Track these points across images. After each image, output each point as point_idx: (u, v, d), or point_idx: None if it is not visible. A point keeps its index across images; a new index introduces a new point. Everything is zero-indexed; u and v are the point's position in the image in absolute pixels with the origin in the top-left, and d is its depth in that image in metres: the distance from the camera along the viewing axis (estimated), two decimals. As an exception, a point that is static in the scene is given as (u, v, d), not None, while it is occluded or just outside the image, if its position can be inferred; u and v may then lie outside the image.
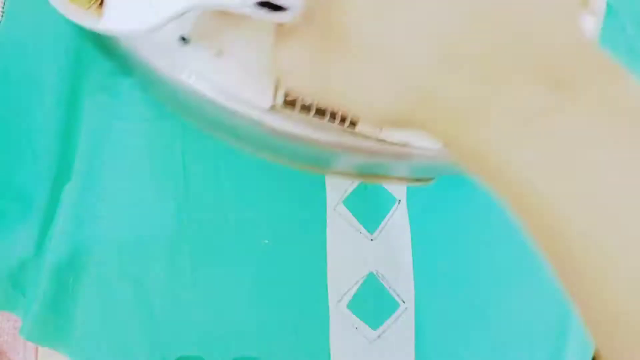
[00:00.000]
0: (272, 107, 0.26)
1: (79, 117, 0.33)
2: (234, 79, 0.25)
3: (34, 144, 0.34)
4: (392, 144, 0.27)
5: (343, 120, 0.26)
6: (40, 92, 0.33)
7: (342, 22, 0.18)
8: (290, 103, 0.26)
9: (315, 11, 0.20)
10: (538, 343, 0.32)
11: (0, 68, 0.34)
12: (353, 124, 0.26)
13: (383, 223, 0.32)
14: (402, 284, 0.31)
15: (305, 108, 0.26)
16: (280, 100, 0.26)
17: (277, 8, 0.21)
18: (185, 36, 0.26)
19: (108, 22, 0.23)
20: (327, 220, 0.32)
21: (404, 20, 0.17)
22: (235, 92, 0.26)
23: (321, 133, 0.26)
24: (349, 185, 0.33)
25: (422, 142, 0.27)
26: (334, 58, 0.19)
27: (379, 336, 0.31)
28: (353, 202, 0.32)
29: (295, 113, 0.26)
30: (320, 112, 0.26)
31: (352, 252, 0.32)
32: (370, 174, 0.31)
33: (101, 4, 0.24)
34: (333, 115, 0.26)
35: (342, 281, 0.32)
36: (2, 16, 0.34)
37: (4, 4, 0.34)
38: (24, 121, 0.34)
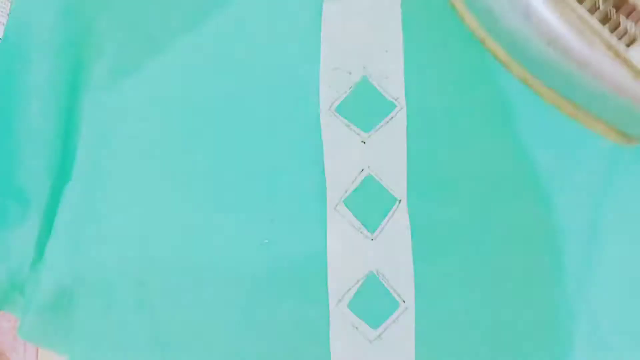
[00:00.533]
0: None
1: (79, 117, 0.34)
2: None
3: (34, 144, 0.34)
4: None
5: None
6: (41, 91, 0.33)
7: None
8: None
9: None
10: (540, 344, 0.32)
11: (1, 67, 0.34)
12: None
13: (383, 223, 0.32)
14: (402, 283, 0.31)
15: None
16: None
17: None
18: None
19: None
20: (327, 220, 0.32)
21: None
22: None
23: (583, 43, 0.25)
24: (350, 185, 0.32)
25: None
26: None
27: (379, 336, 0.31)
28: (353, 202, 0.32)
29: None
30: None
31: (353, 252, 0.32)
32: (586, 110, 0.28)
33: None
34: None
35: (342, 281, 0.32)
36: (7, 17, 0.34)
37: (11, 5, 0.34)
38: (24, 120, 0.34)
